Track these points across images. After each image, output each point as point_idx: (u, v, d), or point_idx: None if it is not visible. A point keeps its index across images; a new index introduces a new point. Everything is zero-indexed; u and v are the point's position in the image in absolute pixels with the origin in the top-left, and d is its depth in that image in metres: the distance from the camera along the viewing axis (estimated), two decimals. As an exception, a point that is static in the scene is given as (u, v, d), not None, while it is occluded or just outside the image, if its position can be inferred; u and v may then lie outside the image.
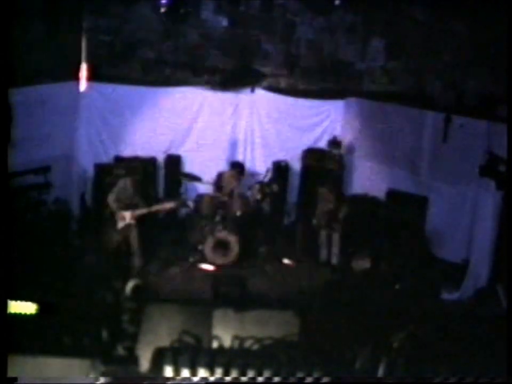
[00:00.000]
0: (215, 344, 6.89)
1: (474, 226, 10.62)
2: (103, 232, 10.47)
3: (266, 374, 6.14)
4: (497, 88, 10.10)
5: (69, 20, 10.88)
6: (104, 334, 6.81)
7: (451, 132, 10.73)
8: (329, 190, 11.17)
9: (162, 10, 11.09)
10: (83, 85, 11.04)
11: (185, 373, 6.22)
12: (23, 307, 5.20)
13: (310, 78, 12.68)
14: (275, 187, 11.71)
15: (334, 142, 12.49)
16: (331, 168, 12.25)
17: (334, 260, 11.09)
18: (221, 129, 12.38)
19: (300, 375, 6.07)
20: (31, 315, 5.24)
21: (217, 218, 11.01)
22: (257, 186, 11.68)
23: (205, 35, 12.19)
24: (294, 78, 12.70)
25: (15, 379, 5.38)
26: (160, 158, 12.02)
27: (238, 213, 11.20)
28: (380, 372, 6.31)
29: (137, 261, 10.27)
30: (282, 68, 12.64)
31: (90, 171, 11.55)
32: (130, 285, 7.00)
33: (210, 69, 12.29)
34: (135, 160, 11.61)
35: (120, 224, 10.13)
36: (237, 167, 11.85)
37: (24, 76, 9.24)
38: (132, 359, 6.58)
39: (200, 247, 10.83)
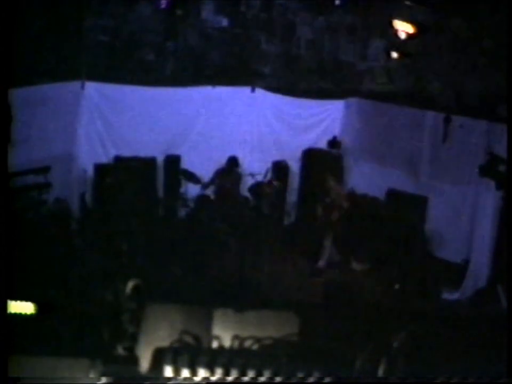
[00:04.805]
0: (215, 344, 6.90)
1: (474, 226, 10.62)
2: (103, 232, 10.46)
3: (266, 374, 6.15)
4: (497, 88, 10.10)
5: (69, 19, 10.87)
6: (104, 334, 6.81)
7: (451, 132, 10.74)
8: (329, 189, 11.16)
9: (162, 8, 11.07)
10: (83, 85, 11.07)
11: (185, 373, 6.23)
12: (23, 307, 5.20)
13: (310, 78, 12.67)
14: (276, 183, 11.69)
15: (334, 142, 12.48)
16: (330, 169, 12.23)
17: (334, 260, 11.08)
18: (220, 129, 12.36)
19: (300, 375, 6.08)
20: (31, 315, 5.24)
21: (217, 218, 11.00)
22: (257, 186, 11.67)
23: (205, 35, 12.19)
24: (294, 78, 12.69)
25: (16, 379, 5.38)
26: (160, 158, 12.02)
27: (239, 213, 11.18)
28: (380, 372, 6.32)
29: (137, 262, 10.25)
30: (282, 68, 12.63)
31: (90, 171, 11.52)
32: (130, 285, 7.00)
33: (210, 69, 12.29)
34: (135, 160, 11.60)
35: (122, 224, 10.12)
36: (231, 162, 11.79)
37: (24, 76, 9.23)
38: (132, 359, 6.59)
39: (200, 247, 10.82)
